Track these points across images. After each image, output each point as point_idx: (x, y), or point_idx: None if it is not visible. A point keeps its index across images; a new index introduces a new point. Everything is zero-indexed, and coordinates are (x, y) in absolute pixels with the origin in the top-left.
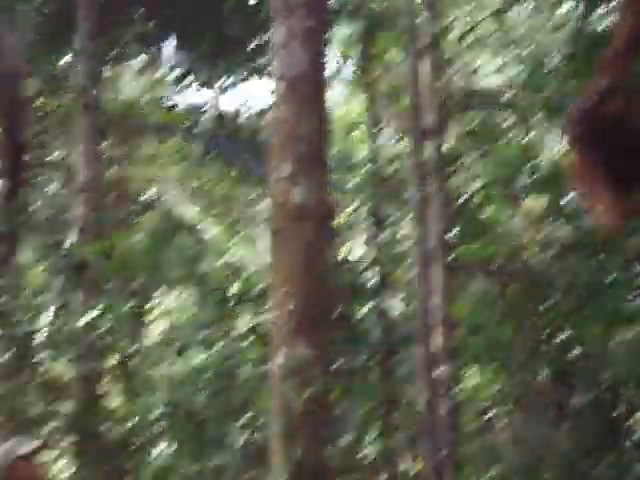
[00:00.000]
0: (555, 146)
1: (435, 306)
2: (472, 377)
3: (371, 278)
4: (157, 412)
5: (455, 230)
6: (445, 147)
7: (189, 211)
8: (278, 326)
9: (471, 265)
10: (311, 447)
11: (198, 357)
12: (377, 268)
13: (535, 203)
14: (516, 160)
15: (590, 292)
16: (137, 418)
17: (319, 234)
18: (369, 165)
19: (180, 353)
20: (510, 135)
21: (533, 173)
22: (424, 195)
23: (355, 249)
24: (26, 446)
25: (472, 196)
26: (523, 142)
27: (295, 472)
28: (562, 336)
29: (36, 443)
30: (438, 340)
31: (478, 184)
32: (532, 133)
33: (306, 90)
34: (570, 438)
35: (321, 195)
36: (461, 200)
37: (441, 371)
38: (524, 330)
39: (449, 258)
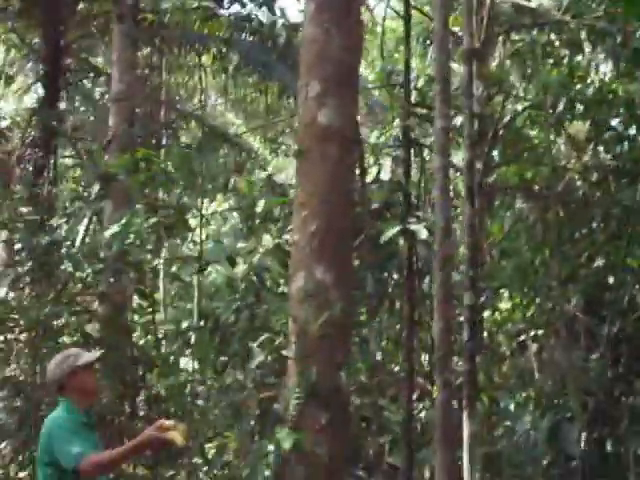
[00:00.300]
0: (601, 71)
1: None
2: (504, 302)
3: (400, 200)
4: (186, 324)
5: (495, 152)
6: (490, 67)
7: (230, 122)
8: (299, 247)
9: (511, 187)
10: (326, 370)
11: (230, 270)
12: (407, 190)
13: (579, 128)
14: (561, 83)
15: (627, 221)
16: (164, 330)
17: (345, 155)
18: (402, 83)
19: (211, 265)
20: (556, 58)
21: (578, 97)
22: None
23: (385, 170)
24: (86, 357)
25: (514, 118)
26: (569, 66)
27: (309, 394)
28: (597, 264)
29: (94, 354)
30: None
31: (521, 106)
32: (579, 57)
33: (335, 10)
34: (600, 365)
35: (348, 116)
36: (504, 122)
37: (467, 296)
38: (560, 256)
39: (489, 179)
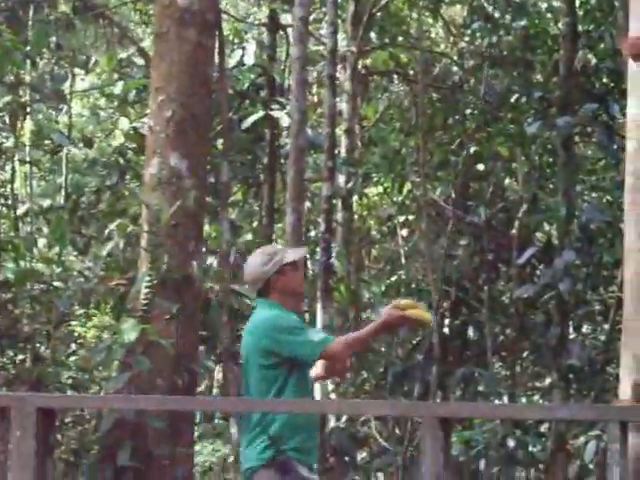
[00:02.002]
0: None
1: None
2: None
3: (263, 85)
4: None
5: (370, 34)
6: None
7: None
8: (154, 132)
9: (386, 71)
10: (178, 259)
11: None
12: (271, 75)
13: (456, 13)
14: None
15: (501, 109)
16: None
17: (204, 39)
18: None
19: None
20: None
21: None
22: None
23: (249, 56)
24: (293, 254)
25: (391, 0)
26: None
27: (159, 282)
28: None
29: (302, 251)
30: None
31: None
32: None
33: None
34: (465, 254)
35: None
36: (380, 4)
37: (324, 187)
38: (432, 141)
39: (362, 63)
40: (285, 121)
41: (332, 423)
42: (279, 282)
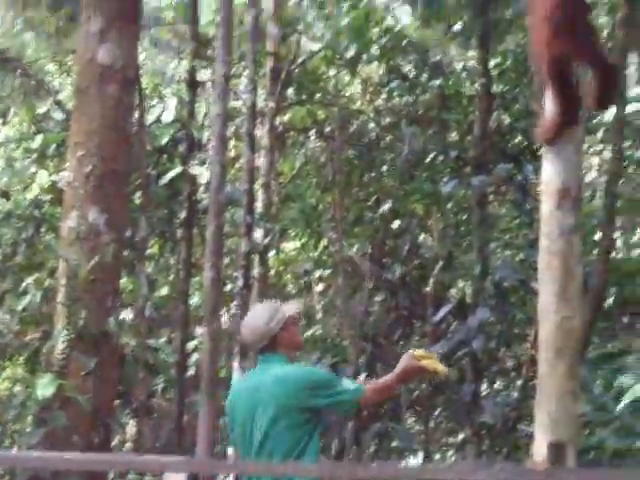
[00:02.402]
0: (397, 16)
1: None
2: (292, 242)
3: (182, 141)
4: None
5: (289, 91)
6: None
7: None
8: (73, 187)
9: (303, 128)
10: (96, 314)
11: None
12: (191, 131)
13: (373, 71)
14: (356, 27)
15: (416, 167)
16: None
17: (124, 95)
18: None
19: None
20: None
21: (373, 41)
22: (251, 59)
23: (168, 112)
24: (292, 308)
25: (310, 58)
26: (366, 9)
27: (77, 337)
28: (384, 208)
29: (298, 306)
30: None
31: (317, 46)
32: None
33: None
34: (380, 310)
35: (129, 55)
36: (298, 61)
37: (243, 242)
38: (348, 198)
39: (280, 119)
40: (204, 177)
41: None
42: (284, 338)
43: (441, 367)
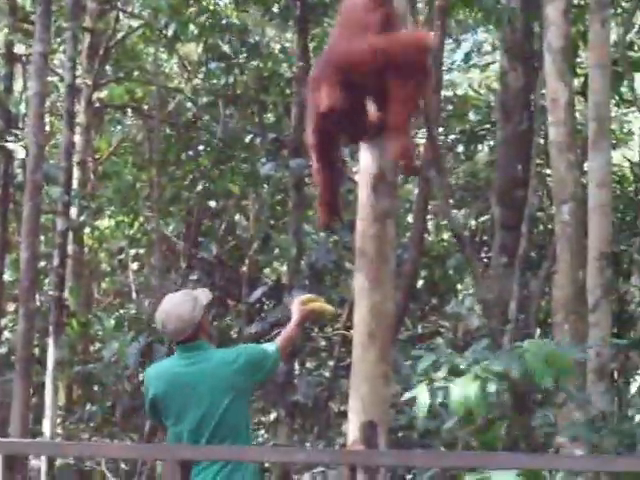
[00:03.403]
0: None
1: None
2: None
3: None
4: None
5: (106, 68)
6: None
7: None
8: None
9: (121, 105)
10: None
11: None
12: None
13: (191, 50)
14: (173, 6)
15: (231, 149)
16: None
17: None
18: None
19: None
20: None
21: (192, 20)
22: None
23: None
24: (205, 295)
25: (128, 35)
26: None
27: None
28: (200, 187)
29: (209, 293)
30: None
31: (136, 23)
32: None
33: None
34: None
35: None
36: (117, 38)
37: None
38: (165, 176)
39: (97, 96)
40: (20, 154)
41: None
42: (204, 324)
43: (329, 308)
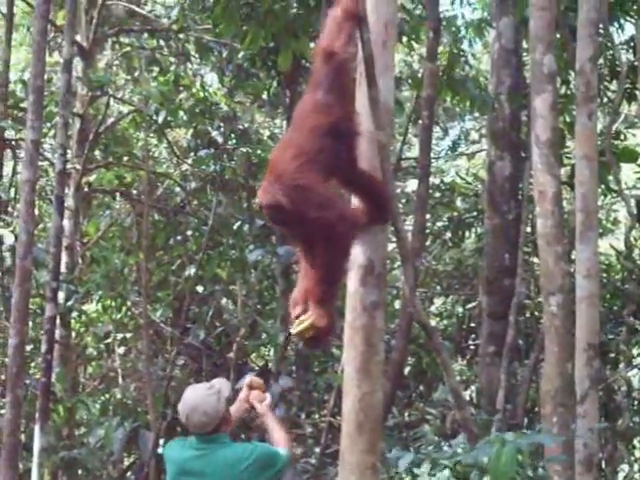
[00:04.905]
0: (206, 82)
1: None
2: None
3: None
4: None
5: (95, 152)
6: (97, 67)
7: None
8: None
9: (110, 190)
10: None
11: None
12: None
13: (181, 135)
14: (163, 92)
15: (222, 232)
16: None
17: None
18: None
19: None
20: (164, 65)
21: (181, 106)
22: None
23: None
24: (227, 387)
25: (118, 120)
26: (175, 74)
27: None
28: (188, 272)
29: (229, 384)
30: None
31: (126, 109)
32: (186, 66)
33: None
34: (185, 373)
35: None
36: (107, 123)
37: (48, 308)
38: (153, 261)
39: (86, 180)
40: (9, 239)
41: None
42: (227, 416)
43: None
